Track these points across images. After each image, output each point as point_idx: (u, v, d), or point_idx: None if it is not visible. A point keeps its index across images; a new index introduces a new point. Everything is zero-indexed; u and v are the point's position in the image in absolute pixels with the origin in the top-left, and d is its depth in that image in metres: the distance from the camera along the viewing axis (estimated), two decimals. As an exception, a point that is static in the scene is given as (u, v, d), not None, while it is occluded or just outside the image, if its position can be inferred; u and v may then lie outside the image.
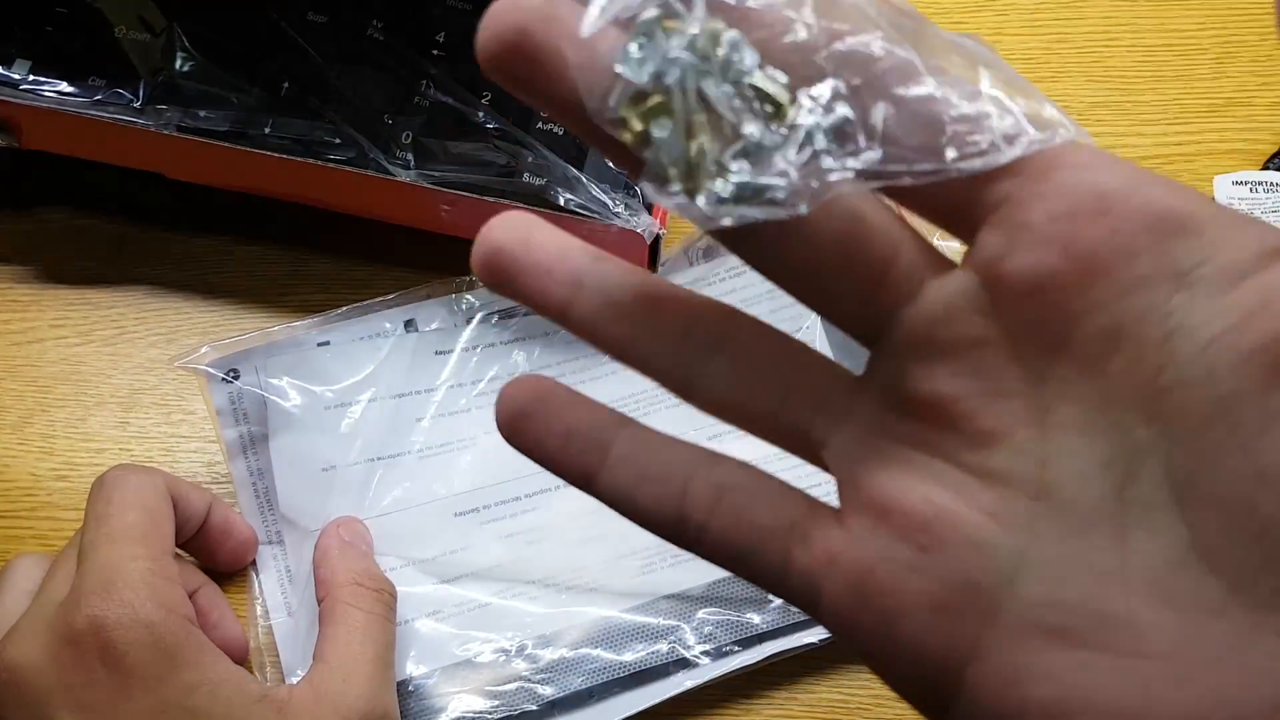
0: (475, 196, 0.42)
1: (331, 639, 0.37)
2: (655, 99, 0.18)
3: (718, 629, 0.41)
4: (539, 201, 0.42)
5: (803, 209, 0.18)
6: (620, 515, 0.21)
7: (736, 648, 0.40)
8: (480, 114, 0.44)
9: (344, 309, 0.45)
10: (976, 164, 0.18)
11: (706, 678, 0.40)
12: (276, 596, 0.42)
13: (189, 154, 0.43)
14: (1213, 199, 0.19)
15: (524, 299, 0.21)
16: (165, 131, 0.42)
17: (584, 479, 0.21)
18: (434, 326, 0.45)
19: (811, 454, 0.21)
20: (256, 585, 0.42)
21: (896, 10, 0.19)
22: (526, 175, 0.43)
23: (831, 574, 0.19)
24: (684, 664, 0.40)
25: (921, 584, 0.19)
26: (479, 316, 0.46)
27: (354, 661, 0.36)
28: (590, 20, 0.18)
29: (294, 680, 0.39)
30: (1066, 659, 0.18)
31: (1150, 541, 0.18)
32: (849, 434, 0.20)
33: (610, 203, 0.42)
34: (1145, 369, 0.18)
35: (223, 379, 0.43)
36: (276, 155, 0.42)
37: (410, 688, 0.40)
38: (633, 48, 0.17)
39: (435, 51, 0.45)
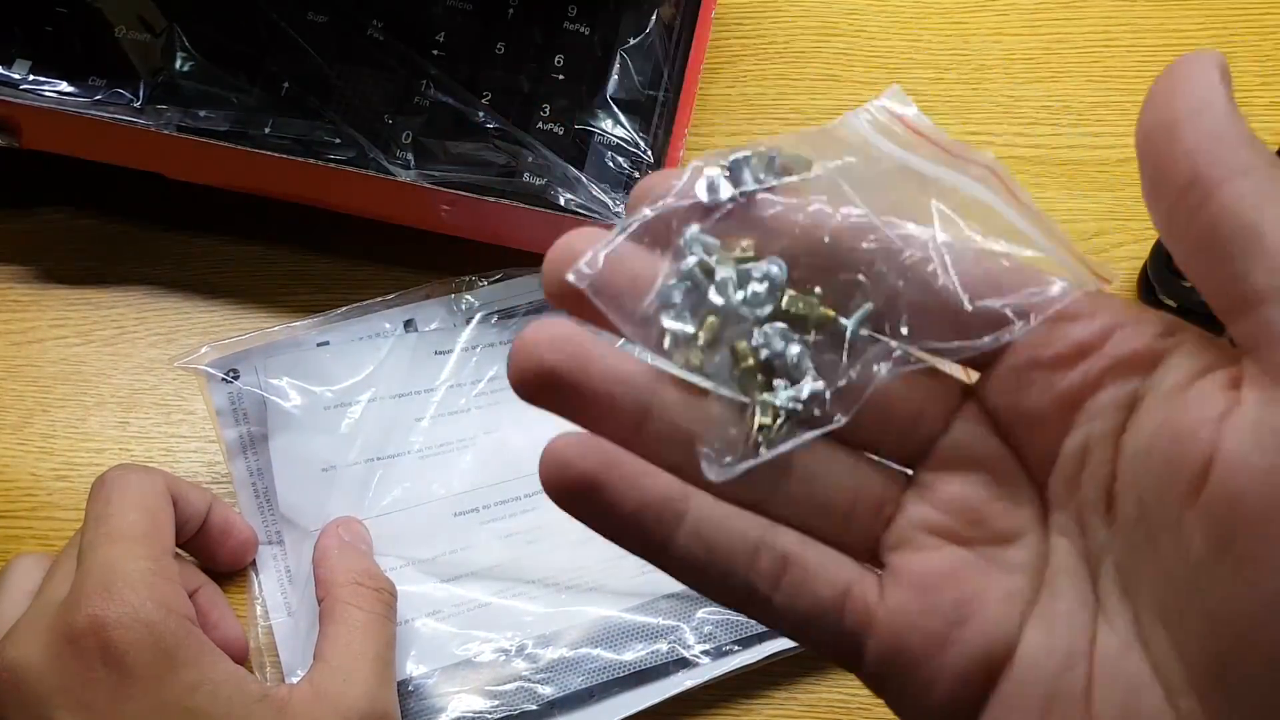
0: (475, 196, 0.42)
1: (332, 638, 0.37)
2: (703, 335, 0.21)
3: (717, 628, 0.41)
4: (539, 201, 0.42)
5: (842, 418, 0.22)
6: (686, 585, 0.22)
7: (736, 647, 0.40)
8: (480, 114, 0.44)
9: (344, 309, 0.45)
10: (987, 341, 0.22)
11: (706, 677, 0.40)
12: (276, 596, 0.42)
13: (189, 154, 0.43)
14: (1180, 322, 0.22)
15: (581, 422, 0.22)
16: (165, 131, 0.42)
17: (653, 552, 0.22)
18: (434, 326, 0.45)
19: (873, 552, 0.23)
20: (256, 585, 0.42)
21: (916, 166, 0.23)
22: (527, 175, 0.43)
23: (872, 636, 0.22)
24: (684, 663, 0.40)
25: (952, 655, 0.22)
26: (478, 316, 0.46)
27: (354, 661, 0.36)
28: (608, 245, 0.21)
29: (294, 680, 0.39)
30: None
31: (1109, 627, 0.21)
32: (901, 533, 0.23)
33: (611, 203, 0.42)
34: (1103, 480, 0.21)
35: (223, 379, 0.43)
36: (276, 155, 0.42)
37: (410, 687, 0.40)
38: (675, 295, 0.21)
39: (435, 51, 0.45)
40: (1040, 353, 0.22)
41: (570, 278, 0.21)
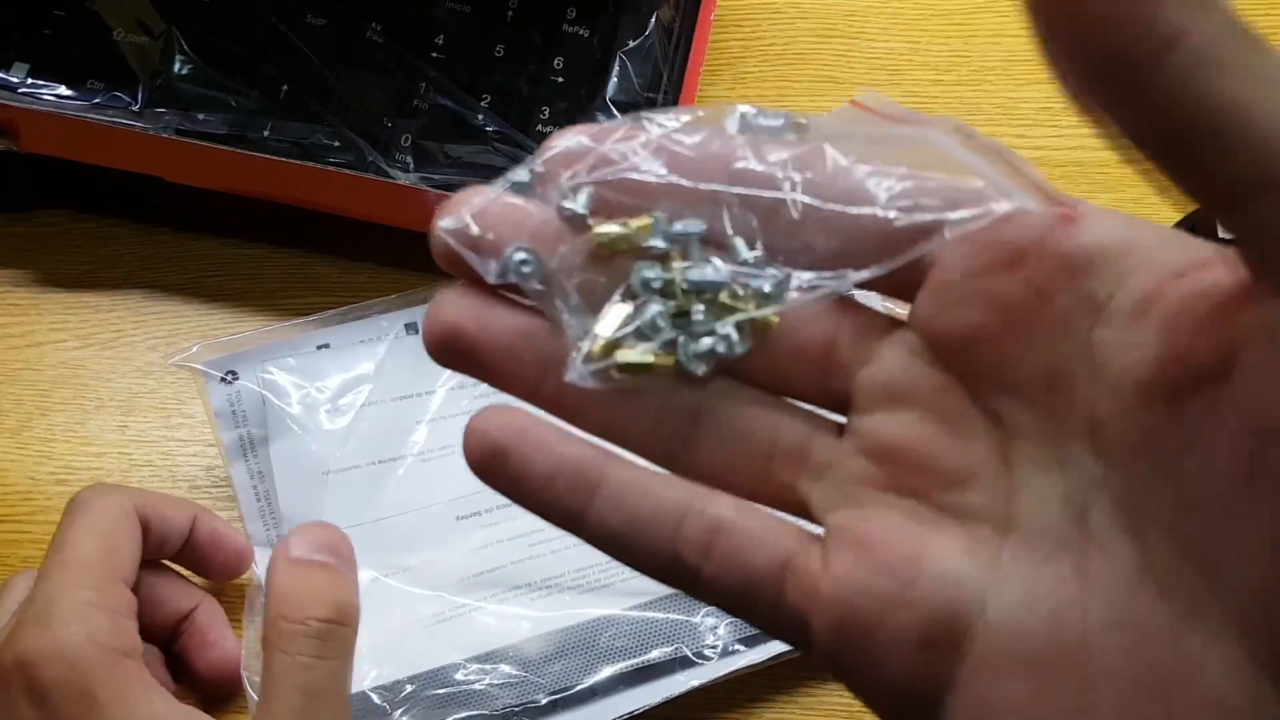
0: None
1: (262, 687, 0.33)
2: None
3: (722, 627, 0.41)
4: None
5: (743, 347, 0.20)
6: (610, 556, 0.21)
7: (741, 646, 0.40)
8: (479, 116, 0.44)
9: (343, 310, 0.45)
10: (901, 259, 0.20)
11: (710, 676, 0.40)
12: (276, 600, 0.42)
13: (188, 157, 0.43)
14: (1146, 223, 0.19)
15: (485, 379, 0.21)
16: (164, 135, 0.42)
17: (569, 521, 0.21)
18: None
19: (798, 509, 0.21)
20: (258, 583, 0.42)
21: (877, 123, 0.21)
22: (526, 177, 0.43)
23: (818, 610, 0.20)
24: (688, 662, 0.40)
25: (904, 617, 0.19)
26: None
27: (270, 715, 0.33)
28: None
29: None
30: (1029, 690, 0.19)
31: (1107, 568, 0.19)
32: (831, 483, 0.21)
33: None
34: (1083, 405, 0.19)
35: (221, 380, 0.43)
36: (275, 158, 0.42)
37: (411, 689, 0.40)
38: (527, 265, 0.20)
39: (434, 54, 0.45)
40: (973, 261, 0.19)
41: (441, 226, 0.20)
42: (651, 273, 0.20)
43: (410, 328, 0.45)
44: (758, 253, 0.20)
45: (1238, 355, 0.17)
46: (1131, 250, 0.19)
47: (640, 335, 0.20)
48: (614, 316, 0.20)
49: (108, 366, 0.46)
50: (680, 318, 0.20)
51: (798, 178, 0.20)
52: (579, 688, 0.40)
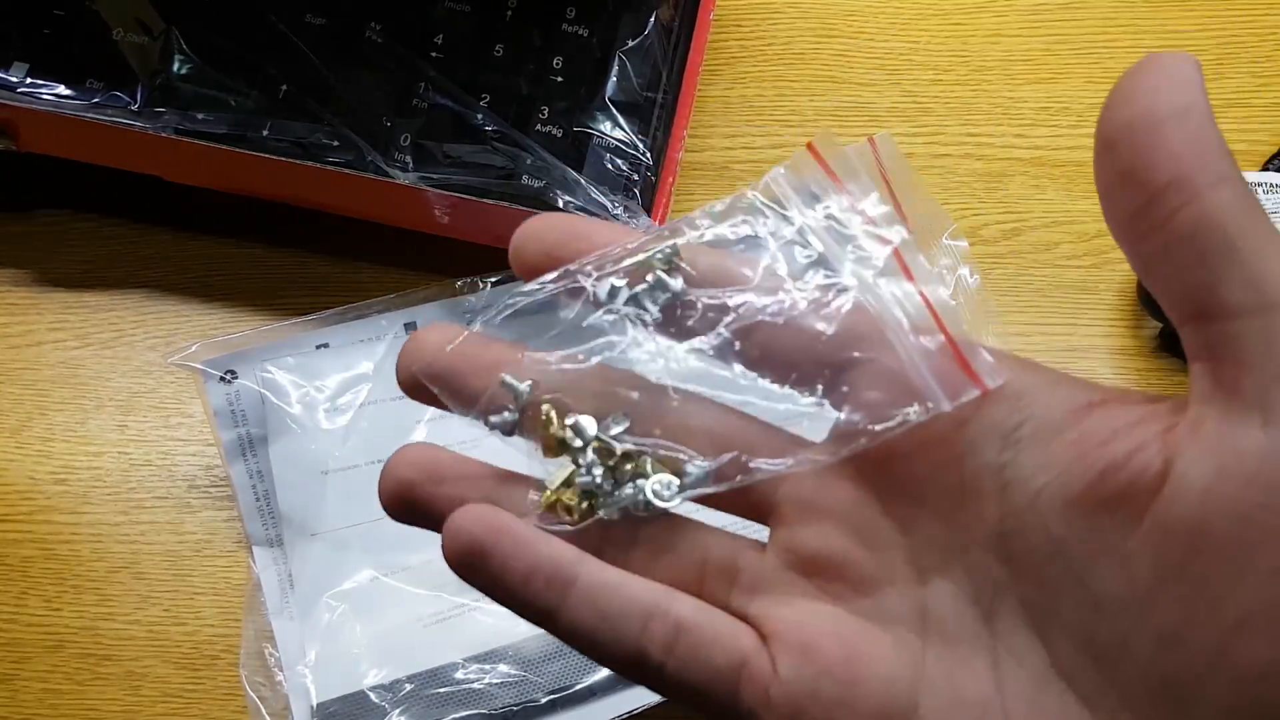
0: (474, 199, 0.42)
1: None
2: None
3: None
4: (538, 204, 0.42)
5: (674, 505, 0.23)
6: (579, 651, 0.22)
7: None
8: (479, 116, 0.44)
9: (343, 310, 0.45)
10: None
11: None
12: (276, 598, 0.41)
13: (187, 157, 0.43)
14: (1035, 364, 0.22)
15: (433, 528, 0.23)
16: (163, 134, 0.42)
17: (544, 617, 0.22)
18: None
19: (738, 616, 0.23)
20: (257, 586, 0.42)
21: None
22: (525, 177, 0.43)
23: (769, 711, 0.21)
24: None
25: (849, 718, 0.21)
26: (480, 318, 0.45)
27: None
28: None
29: (293, 673, 0.39)
30: None
31: (1018, 666, 0.21)
32: (765, 594, 0.23)
33: (609, 204, 0.42)
34: (989, 518, 0.21)
35: (220, 379, 0.43)
36: (275, 158, 0.42)
37: (410, 689, 0.40)
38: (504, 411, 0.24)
39: (433, 54, 0.45)
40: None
41: (412, 366, 0.24)
42: (585, 433, 0.23)
43: (410, 327, 0.45)
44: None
45: (1169, 472, 0.19)
46: (1037, 385, 0.21)
47: (576, 488, 0.23)
48: (556, 473, 0.23)
49: (107, 366, 0.46)
50: (610, 475, 0.23)
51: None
52: (578, 687, 0.40)
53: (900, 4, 0.53)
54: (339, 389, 0.44)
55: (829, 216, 0.23)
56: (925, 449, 0.22)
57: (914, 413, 0.21)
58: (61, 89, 0.43)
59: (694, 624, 0.22)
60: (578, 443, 0.23)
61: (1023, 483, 0.21)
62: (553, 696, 0.40)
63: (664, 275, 0.23)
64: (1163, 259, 0.19)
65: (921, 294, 0.22)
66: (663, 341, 0.23)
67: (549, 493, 0.23)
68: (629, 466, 0.23)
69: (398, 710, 0.39)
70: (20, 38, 0.44)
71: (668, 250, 0.23)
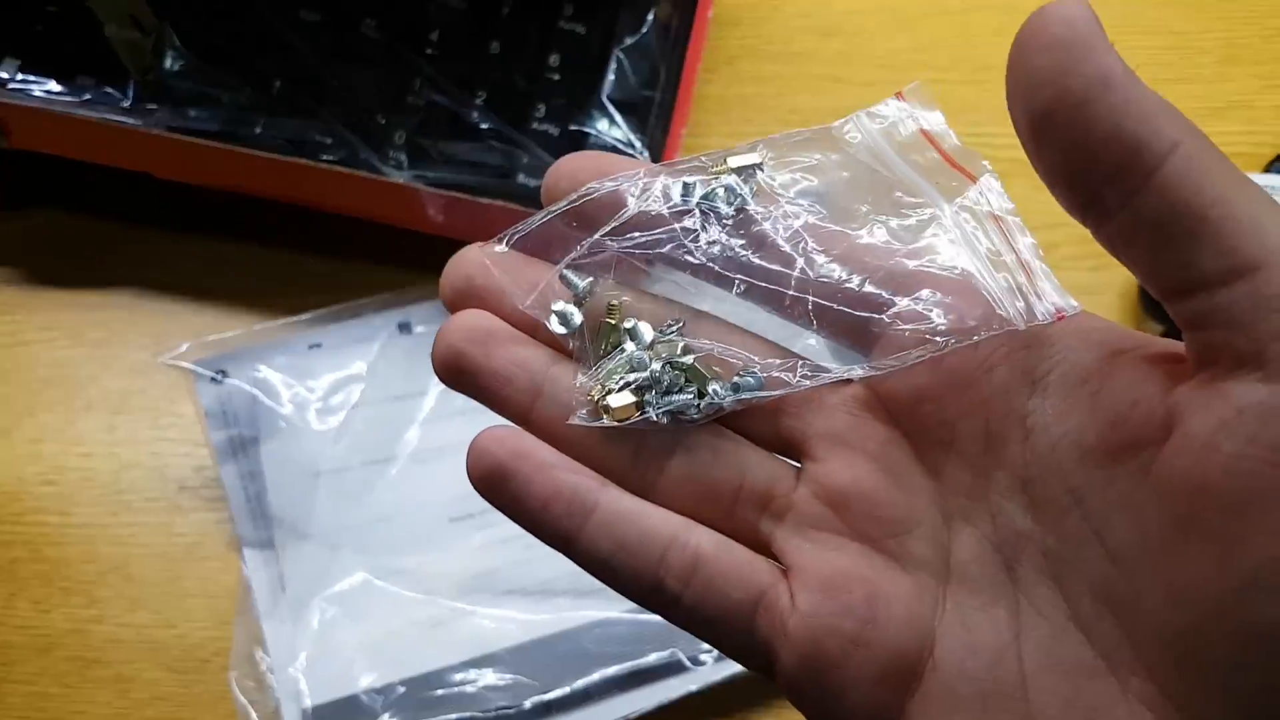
0: (470, 198, 0.42)
1: None
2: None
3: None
4: (535, 203, 0.42)
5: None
6: (596, 578, 0.23)
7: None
8: (475, 114, 0.43)
9: (336, 309, 0.44)
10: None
11: (707, 681, 0.40)
12: (267, 600, 0.41)
13: (179, 154, 0.43)
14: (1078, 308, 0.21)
15: (484, 401, 0.23)
16: (155, 131, 0.42)
17: (562, 542, 0.22)
18: (428, 328, 0.45)
19: (761, 546, 0.23)
20: (248, 585, 0.41)
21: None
22: (522, 176, 0.42)
23: (786, 644, 0.22)
24: (684, 667, 0.40)
25: (865, 655, 0.21)
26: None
27: None
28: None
29: (284, 675, 0.38)
30: None
31: (1037, 616, 0.21)
32: (792, 524, 0.22)
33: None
34: (1014, 464, 0.21)
35: (211, 379, 0.42)
36: (268, 155, 0.42)
37: (403, 690, 0.39)
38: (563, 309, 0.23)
39: (429, 50, 0.45)
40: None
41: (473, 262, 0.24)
42: (642, 338, 0.23)
43: (403, 327, 0.45)
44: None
45: (1174, 426, 0.19)
46: (1071, 332, 0.21)
47: (628, 387, 0.23)
48: (612, 370, 0.23)
49: (98, 366, 0.45)
50: (667, 375, 0.23)
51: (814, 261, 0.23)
52: (573, 691, 0.39)
53: (902, 2, 0.53)
54: (331, 389, 0.43)
55: (906, 150, 0.24)
56: (956, 392, 0.21)
57: (991, 325, 0.21)
58: (53, 85, 0.43)
59: (712, 555, 0.22)
60: (630, 344, 0.23)
61: (1044, 430, 0.21)
62: (548, 701, 0.39)
63: (740, 182, 0.23)
64: (1127, 244, 0.19)
65: (997, 219, 0.22)
66: (730, 242, 0.23)
67: (598, 388, 0.23)
68: (683, 369, 0.23)
69: (390, 713, 0.39)
70: (12, 34, 0.43)
71: (752, 162, 0.23)
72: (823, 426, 0.23)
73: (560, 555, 0.41)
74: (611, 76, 0.45)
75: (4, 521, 0.43)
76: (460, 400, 0.43)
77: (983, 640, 0.21)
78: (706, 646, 0.40)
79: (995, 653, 0.21)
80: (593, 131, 0.44)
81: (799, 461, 0.23)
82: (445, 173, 0.42)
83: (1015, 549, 0.21)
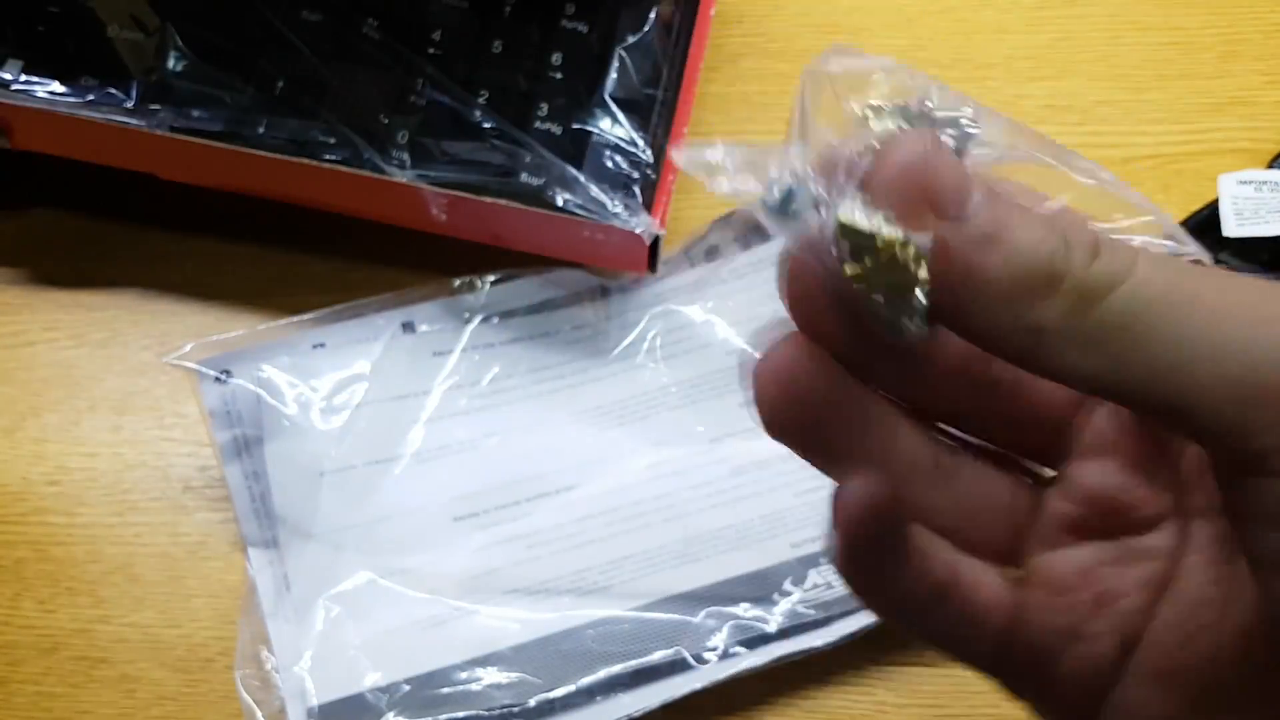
0: (473, 197, 0.42)
1: None
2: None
3: (723, 630, 0.40)
4: (537, 201, 0.42)
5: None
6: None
7: (741, 649, 0.40)
8: (477, 113, 0.43)
9: (339, 309, 0.44)
10: None
11: (710, 679, 0.40)
12: (272, 600, 0.41)
13: (182, 154, 0.43)
14: None
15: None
16: (158, 132, 0.42)
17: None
18: (432, 327, 0.45)
19: (1013, 563, 0.23)
20: (253, 587, 0.41)
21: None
22: (524, 175, 0.43)
23: (1014, 643, 0.22)
24: (687, 665, 0.40)
25: (1085, 648, 0.22)
26: (479, 318, 0.45)
27: None
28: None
29: (289, 675, 0.39)
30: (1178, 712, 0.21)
31: (1241, 618, 0.20)
32: (1037, 528, 0.23)
33: (609, 203, 0.42)
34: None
35: (215, 379, 0.42)
36: (271, 155, 0.42)
37: (407, 689, 0.39)
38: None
39: (431, 50, 0.45)
40: None
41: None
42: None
43: (406, 327, 0.45)
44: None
45: None
46: None
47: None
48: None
49: (101, 366, 0.45)
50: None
51: None
52: (577, 689, 0.39)
53: (904, 0, 0.53)
54: (335, 389, 0.43)
55: None
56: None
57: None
58: (56, 86, 0.43)
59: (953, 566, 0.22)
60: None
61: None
62: (552, 699, 0.39)
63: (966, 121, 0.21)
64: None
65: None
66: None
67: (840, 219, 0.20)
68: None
69: (394, 712, 0.39)
70: (15, 34, 0.43)
71: (969, 109, 0.22)
72: (1093, 425, 0.23)
73: (560, 555, 0.41)
74: (614, 75, 0.45)
75: (9, 522, 0.43)
76: (464, 400, 0.44)
77: (1187, 618, 0.21)
78: (711, 644, 0.40)
79: (1205, 651, 0.21)
80: (595, 130, 0.44)
81: (1051, 466, 0.23)
82: (448, 172, 0.43)
83: (1232, 551, 0.21)
